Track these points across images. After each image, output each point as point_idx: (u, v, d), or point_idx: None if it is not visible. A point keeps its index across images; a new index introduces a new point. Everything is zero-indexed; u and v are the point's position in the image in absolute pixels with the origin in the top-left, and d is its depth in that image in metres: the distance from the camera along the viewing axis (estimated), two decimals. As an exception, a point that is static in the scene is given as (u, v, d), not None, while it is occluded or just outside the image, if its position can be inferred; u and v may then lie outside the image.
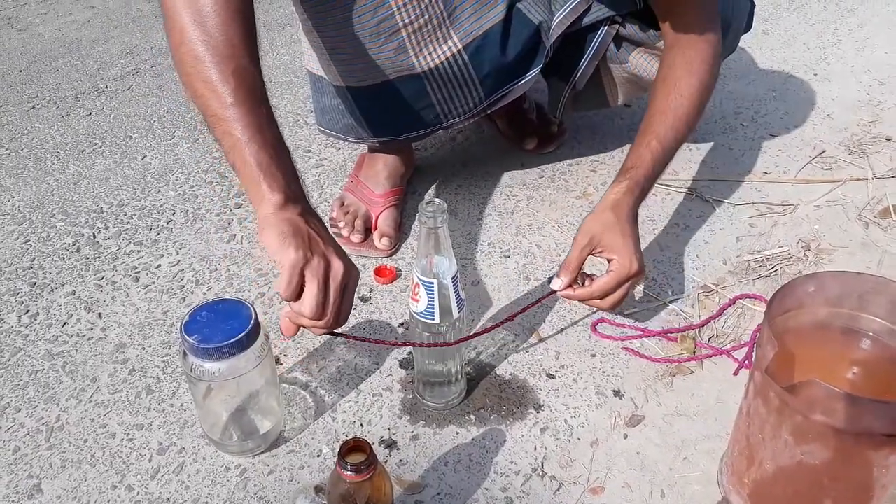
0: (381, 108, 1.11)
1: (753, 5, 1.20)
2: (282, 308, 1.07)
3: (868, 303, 0.74)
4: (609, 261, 0.93)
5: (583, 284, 0.93)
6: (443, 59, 1.03)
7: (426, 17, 0.99)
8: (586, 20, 1.09)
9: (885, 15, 1.89)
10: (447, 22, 1.01)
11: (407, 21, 0.99)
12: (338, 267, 0.77)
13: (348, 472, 0.66)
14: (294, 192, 0.78)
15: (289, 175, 0.78)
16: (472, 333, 0.91)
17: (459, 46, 1.03)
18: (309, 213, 0.79)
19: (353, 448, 0.68)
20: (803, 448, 0.68)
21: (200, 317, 0.79)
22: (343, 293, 0.78)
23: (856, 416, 0.63)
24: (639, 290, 1.08)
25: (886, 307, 0.73)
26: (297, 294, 0.75)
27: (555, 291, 0.93)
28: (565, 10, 1.06)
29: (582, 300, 0.93)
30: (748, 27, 1.20)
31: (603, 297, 0.92)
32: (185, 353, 0.79)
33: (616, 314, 1.04)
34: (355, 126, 1.17)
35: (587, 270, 0.95)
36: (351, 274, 0.79)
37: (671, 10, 1.02)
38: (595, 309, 1.02)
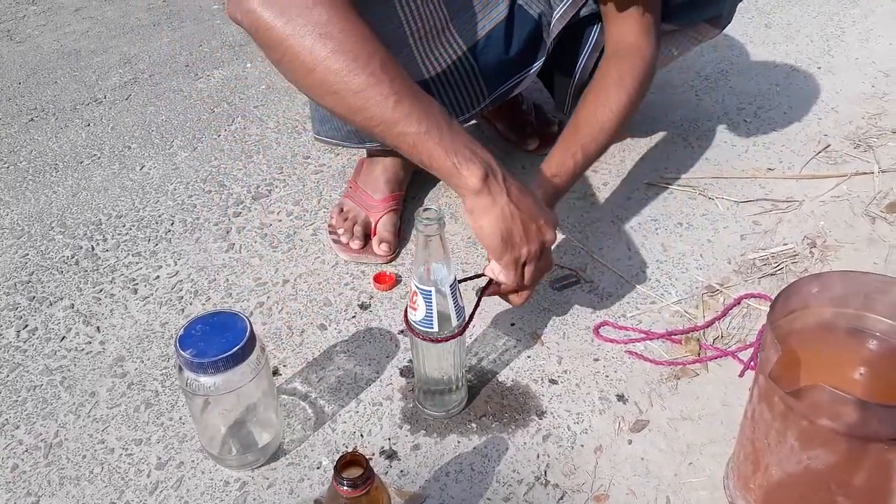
0: None
1: None
2: (280, 315, 1.06)
3: (874, 302, 0.73)
4: None
5: None
6: (449, 62, 1.03)
7: (431, 22, 0.98)
8: (584, 11, 1.08)
9: (889, 5, 1.87)
10: (450, 25, 1.00)
11: (414, 29, 0.98)
12: (550, 239, 0.84)
13: (345, 488, 0.65)
14: (486, 161, 0.79)
15: (472, 145, 0.79)
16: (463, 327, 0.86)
17: (465, 48, 1.02)
18: (506, 180, 0.80)
19: (350, 462, 0.67)
20: (809, 453, 0.66)
21: (195, 330, 0.78)
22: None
23: (862, 421, 0.61)
24: (642, 292, 1.07)
25: (892, 307, 0.72)
26: (523, 277, 0.85)
27: (488, 285, 0.89)
28: (564, 4, 1.06)
29: (506, 294, 0.91)
30: None
31: (524, 289, 0.91)
32: (180, 367, 0.78)
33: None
34: (358, 132, 1.16)
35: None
36: (553, 221, 0.85)
37: (614, 19, 1.02)
38: (595, 311, 1.01)
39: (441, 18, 0.99)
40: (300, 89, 0.78)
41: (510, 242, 0.81)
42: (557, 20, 1.07)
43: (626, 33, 1.03)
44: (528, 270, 0.85)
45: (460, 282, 0.89)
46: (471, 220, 0.81)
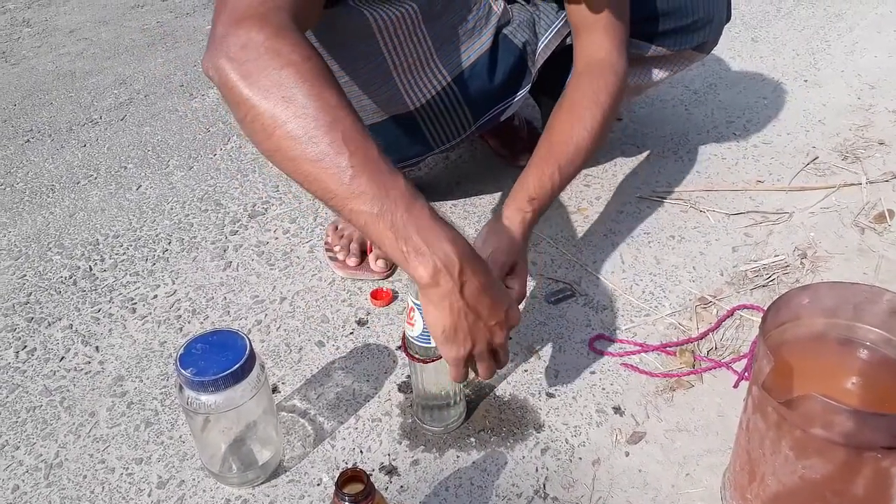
0: None
1: None
2: (278, 333, 1.07)
3: (864, 312, 0.74)
4: (507, 287, 0.89)
5: None
6: (433, 93, 1.03)
7: (415, 54, 0.98)
8: (569, 40, 1.09)
9: (874, 18, 1.90)
10: (435, 56, 1.00)
11: (397, 62, 0.98)
12: (499, 342, 0.78)
13: None
14: (442, 253, 0.70)
15: (430, 232, 0.70)
16: None
17: (449, 79, 1.02)
18: (464, 273, 0.72)
19: (351, 478, 0.68)
20: (804, 462, 0.67)
21: (195, 349, 0.79)
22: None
23: (855, 430, 0.62)
24: (636, 304, 1.08)
25: (882, 316, 0.73)
26: (467, 373, 0.80)
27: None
28: (549, 34, 1.08)
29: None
30: (728, 17, 1.19)
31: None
32: (181, 386, 0.79)
33: None
34: None
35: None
36: (512, 320, 0.79)
37: (585, 34, 1.01)
38: (590, 324, 1.02)
39: (425, 50, 0.99)
40: (261, 153, 0.73)
41: (454, 339, 0.75)
42: (543, 49, 1.08)
43: (597, 48, 1.00)
44: (480, 367, 0.79)
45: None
46: (423, 306, 0.75)
